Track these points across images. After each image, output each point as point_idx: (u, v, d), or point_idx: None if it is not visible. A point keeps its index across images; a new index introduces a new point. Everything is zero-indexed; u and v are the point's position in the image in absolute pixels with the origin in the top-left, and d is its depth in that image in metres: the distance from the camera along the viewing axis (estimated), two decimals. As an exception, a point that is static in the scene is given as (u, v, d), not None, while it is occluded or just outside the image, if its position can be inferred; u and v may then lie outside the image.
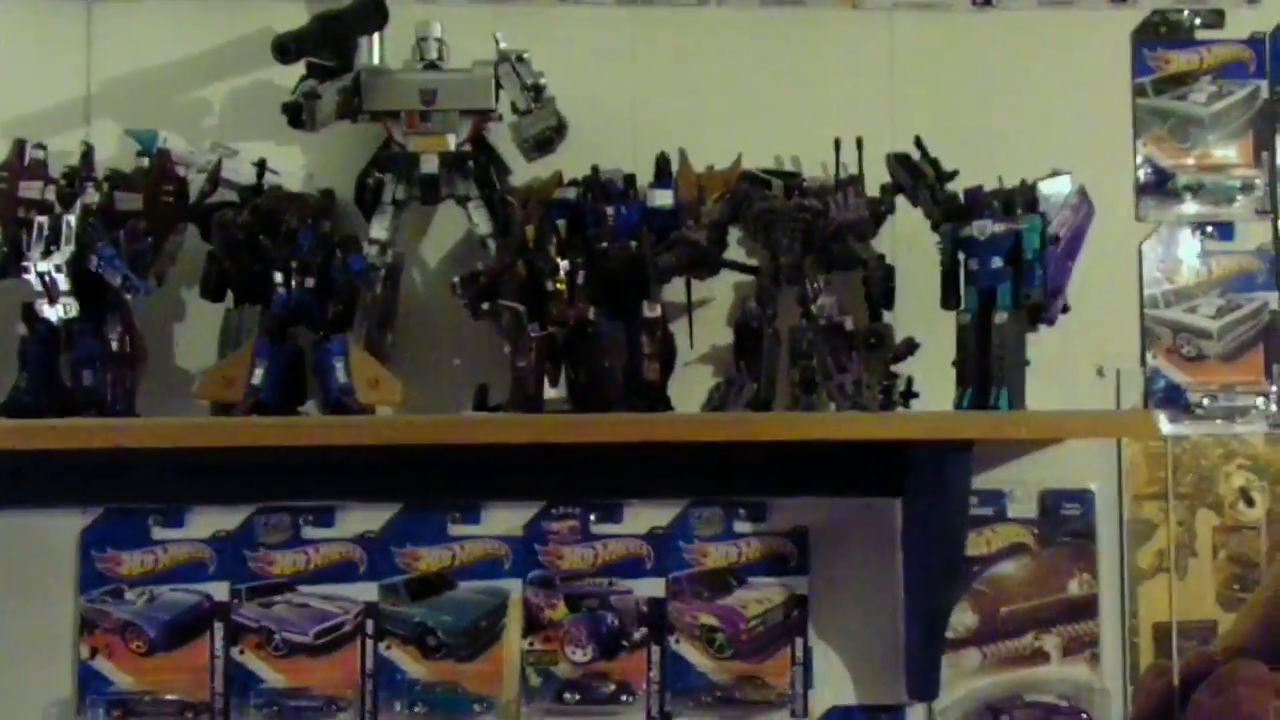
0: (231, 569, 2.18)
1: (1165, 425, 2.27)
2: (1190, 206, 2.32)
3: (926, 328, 2.08)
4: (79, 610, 2.16)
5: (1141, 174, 2.33)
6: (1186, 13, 2.34)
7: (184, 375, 2.14)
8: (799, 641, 2.24)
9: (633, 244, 2.06)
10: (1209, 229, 2.32)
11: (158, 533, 2.18)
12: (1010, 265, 2.01)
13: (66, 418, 1.96)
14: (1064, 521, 2.27)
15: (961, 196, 2.07)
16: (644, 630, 2.23)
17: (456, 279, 2.06)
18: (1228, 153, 2.33)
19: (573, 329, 2.04)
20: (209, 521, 2.19)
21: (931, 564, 2.15)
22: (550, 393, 2.05)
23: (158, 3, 2.23)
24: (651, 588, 2.23)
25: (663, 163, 2.12)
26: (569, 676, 2.22)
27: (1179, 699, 2.26)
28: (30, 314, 1.97)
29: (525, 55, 2.08)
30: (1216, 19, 2.34)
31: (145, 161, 2.07)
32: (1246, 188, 2.32)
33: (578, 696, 2.22)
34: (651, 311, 2.06)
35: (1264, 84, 2.34)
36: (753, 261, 2.16)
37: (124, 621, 2.16)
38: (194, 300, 2.11)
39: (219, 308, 2.08)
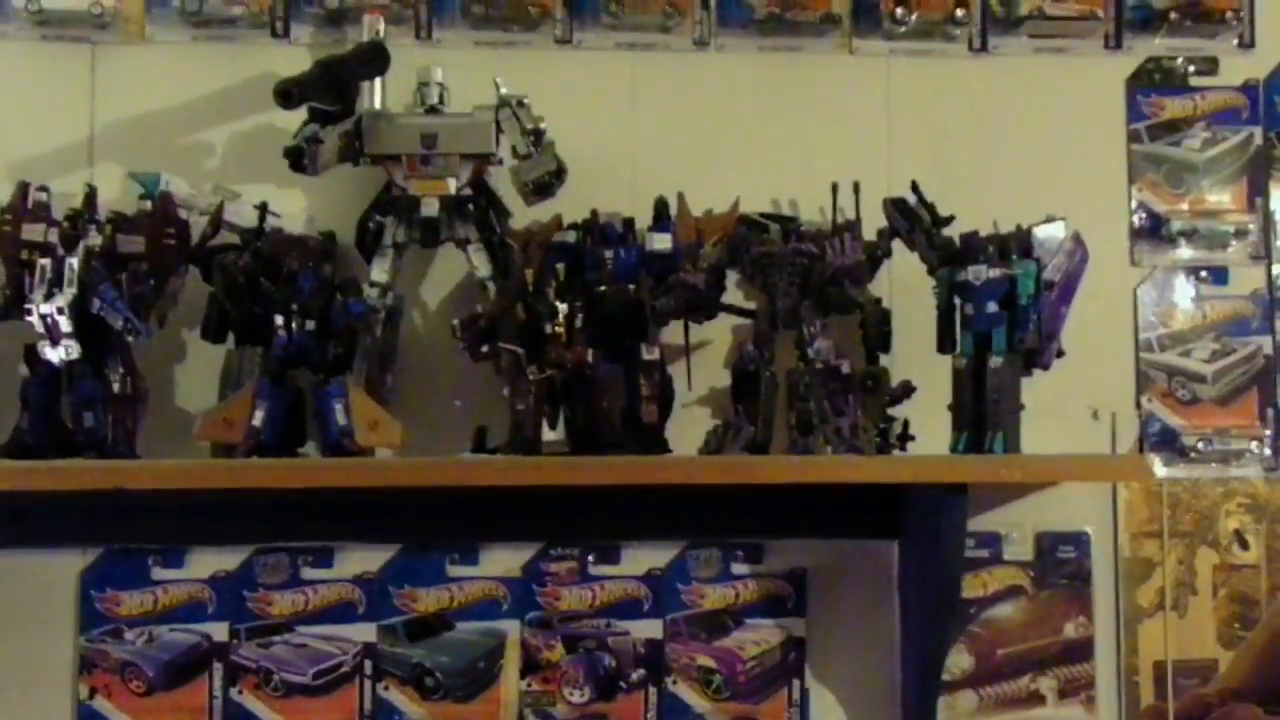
0: (231, 609, 2.17)
1: (1160, 469, 2.28)
2: (1184, 251, 2.33)
3: (923, 371, 2.08)
4: (78, 650, 2.15)
5: (1136, 219, 2.33)
6: (1180, 60, 2.35)
7: (185, 416, 2.14)
8: (796, 683, 2.24)
9: (631, 287, 2.07)
10: (1203, 274, 2.33)
11: (158, 573, 2.17)
12: (1005, 310, 2.02)
13: (68, 459, 1.96)
14: (1060, 564, 2.27)
15: (957, 241, 2.08)
16: (641, 671, 2.22)
17: (456, 322, 2.06)
18: (1222, 198, 2.34)
19: (571, 371, 2.04)
20: (209, 562, 2.18)
21: (928, 606, 2.15)
22: (549, 435, 2.06)
23: (161, 47, 2.23)
24: (649, 629, 2.23)
25: (661, 207, 2.13)
26: (567, 717, 2.21)
27: (1174, 741, 2.25)
28: (32, 355, 1.96)
29: (525, 100, 2.09)
30: (1210, 66, 2.35)
31: (148, 204, 2.06)
32: (1240, 233, 2.33)
33: (576, 737, 2.22)
34: (649, 354, 2.07)
35: (1257, 130, 2.35)
36: (750, 305, 2.16)
37: (123, 661, 2.15)
38: (195, 342, 2.11)
39: (220, 349, 2.08)
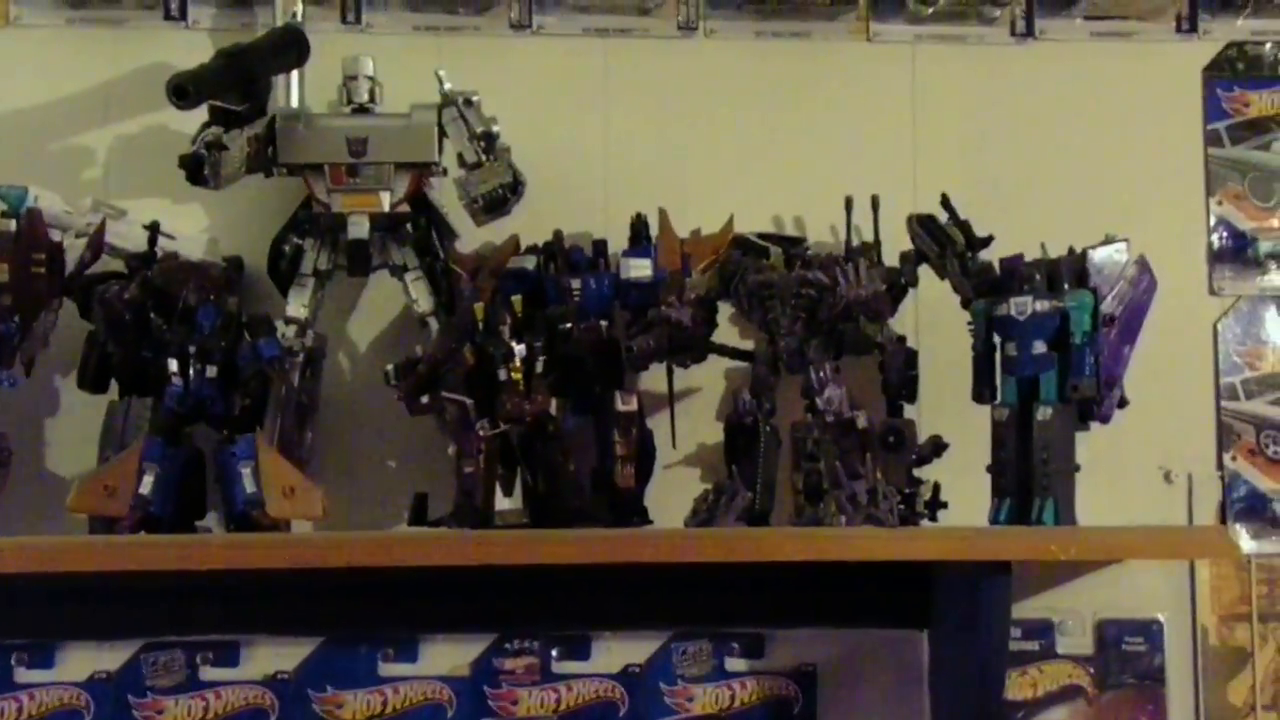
0: (113, 718, 2.16)
1: (1247, 542, 2.29)
2: (1276, 278, 2.35)
3: (956, 425, 2.11)
4: (-72, 773, 2.15)
5: (1216, 239, 2.36)
6: (1269, 45, 2.37)
7: (57, 483, 2.15)
8: (807, 806, 2.23)
9: (603, 324, 2.08)
10: (1299, 304, 2.33)
11: (21, 674, 2.19)
12: (1056, 350, 2.04)
13: (-88, 536, 1.95)
14: (1127, 659, 2.30)
15: (997, 267, 2.10)
16: (617, 792, 2.22)
17: (391, 367, 2.08)
18: None
19: (530, 426, 2.04)
20: (85, 661, 2.20)
21: (966, 710, 2.15)
22: (503, 503, 2.07)
23: (29, 30, 2.28)
24: (627, 739, 2.21)
25: (639, 226, 2.14)
26: None
27: None
28: None
29: (474, 98, 2.12)
30: (1303, 53, 2.36)
31: (11, 224, 2.04)
32: None
33: None
34: (625, 405, 2.08)
35: (1363, 129, 2.36)
36: (747, 345, 2.16)
37: (-18, 787, 2.15)
38: (71, 391, 2.12)
39: (101, 401, 2.08)
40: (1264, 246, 2.34)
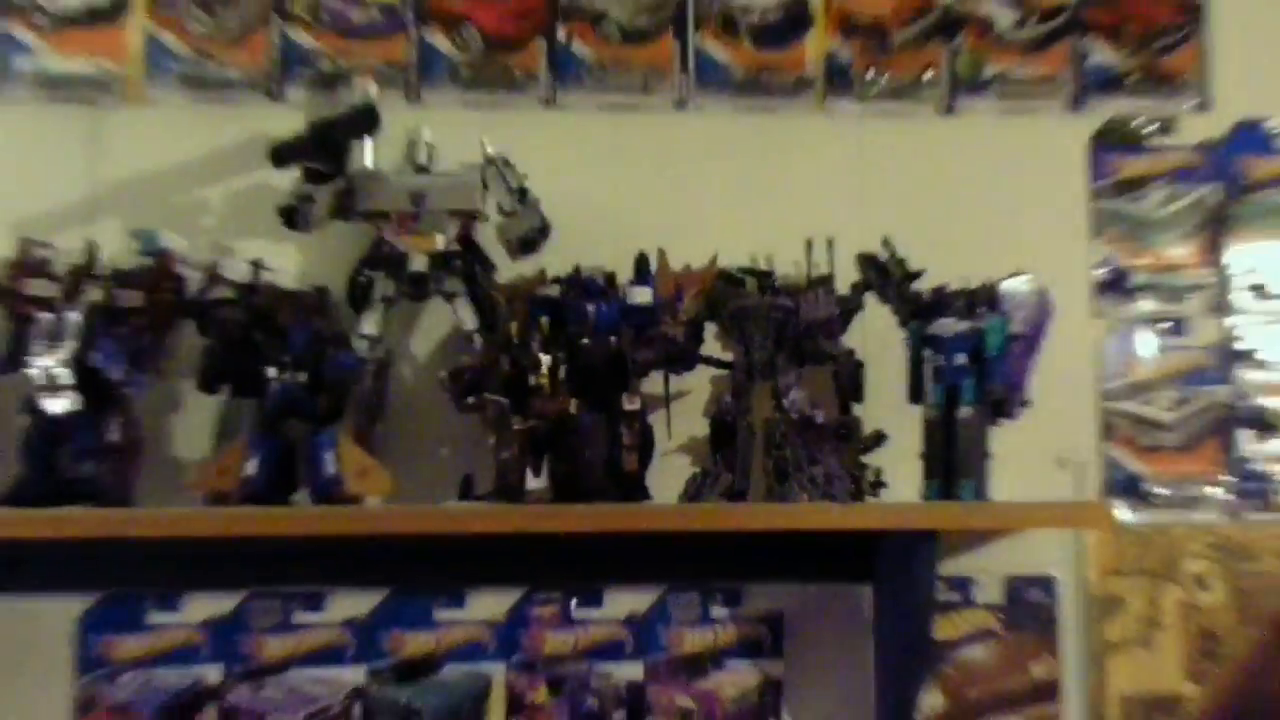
0: (224, 652, 2.16)
1: (1123, 514, 2.29)
2: (1145, 304, 2.34)
3: (894, 421, 2.09)
4: (76, 692, 2.15)
5: (1099, 273, 2.34)
6: (1140, 121, 2.37)
7: (180, 466, 2.14)
8: (773, 724, 2.28)
9: (612, 340, 2.06)
10: (1163, 326, 2.34)
11: (153, 617, 2.16)
12: (974, 362, 2.02)
13: (66, 507, 1.96)
14: (1028, 607, 2.27)
15: (927, 295, 2.09)
16: (623, 713, 2.21)
17: (443, 373, 2.06)
18: (1180, 253, 2.34)
19: (554, 422, 2.03)
20: (203, 606, 2.17)
21: (901, 648, 2.15)
22: (533, 483, 2.04)
23: (160, 108, 2.24)
24: (631, 671, 2.22)
25: (641, 262, 2.13)
26: (551, 758, 2.22)
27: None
28: (32, 407, 1.97)
29: (510, 159, 2.10)
30: (1169, 126, 2.37)
31: (147, 260, 2.07)
32: (1199, 287, 2.34)
33: (560, 778, 2.21)
34: (630, 404, 2.06)
35: (1214, 188, 2.36)
36: (728, 357, 2.15)
37: (120, 703, 2.14)
38: (191, 393, 2.10)
39: (215, 401, 2.08)
40: (1136, 280, 2.33)
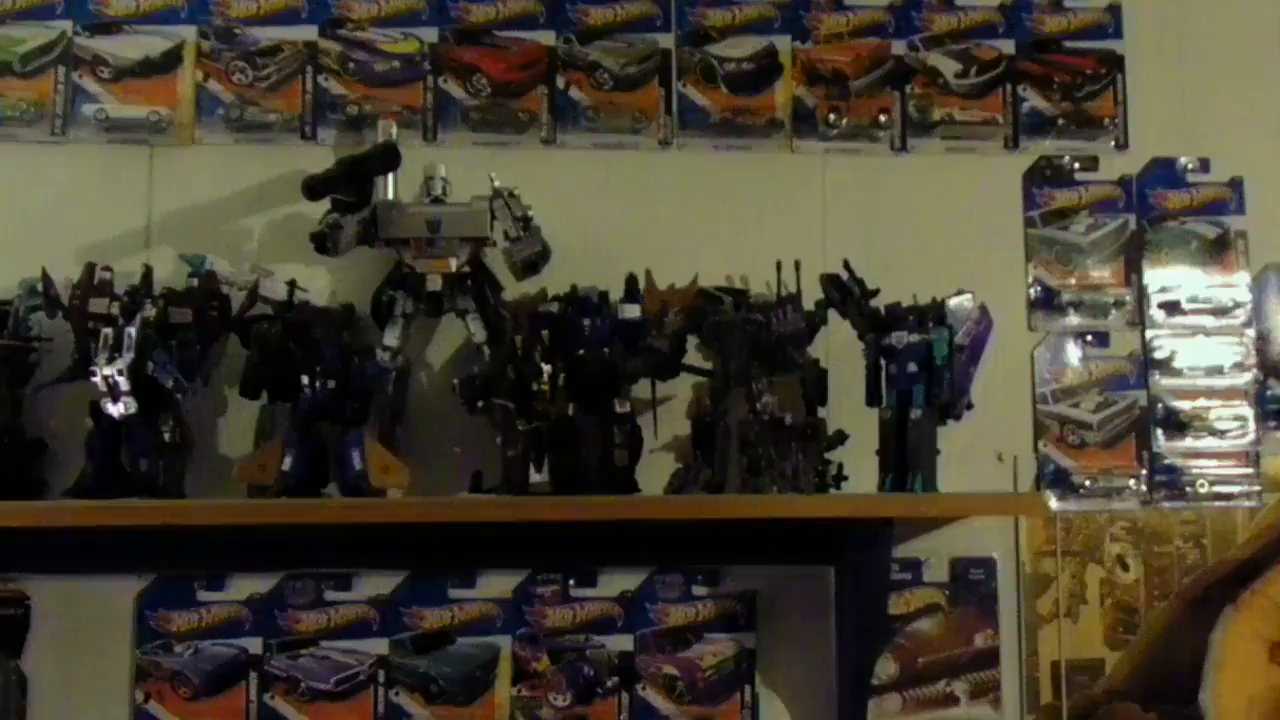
0: (264, 626, 2.18)
1: (1054, 503, 2.29)
2: (1073, 319, 2.35)
3: (854, 422, 2.09)
4: (135, 661, 2.15)
5: (1032, 292, 2.35)
6: (1067, 158, 2.37)
7: (226, 462, 2.14)
8: (748, 689, 2.24)
9: (606, 351, 2.07)
10: (1089, 338, 2.35)
11: (202, 595, 2.18)
12: (924, 370, 2.03)
13: (126, 499, 1.97)
14: (971, 585, 2.28)
15: (883, 311, 2.09)
16: (616, 679, 2.22)
17: (456, 381, 2.08)
18: (1103, 274, 2.36)
19: (554, 423, 2.04)
20: (246, 586, 2.18)
21: (860, 622, 2.15)
22: (535, 478, 2.05)
23: (208, 148, 2.26)
24: (622, 643, 2.23)
25: (631, 282, 2.14)
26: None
27: (1069, 734, 2.27)
28: (96, 411, 1.98)
29: (516, 191, 2.11)
30: (1092, 163, 2.37)
31: (195, 281, 2.09)
32: (1119, 303, 2.36)
33: (560, 736, 2.23)
34: (622, 408, 2.07)
35: (1132, 218, 2.37)
36: (707, 365, 2.16)
37: (173, 671, 2.15)
38: (234, 398, 2.12)
39: (256, 405, 2.08)
40: (1065, 297, 2.34)
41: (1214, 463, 2.33)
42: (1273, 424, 2.35)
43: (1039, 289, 2.36)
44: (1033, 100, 2.39)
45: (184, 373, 1.99)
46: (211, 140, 2.26)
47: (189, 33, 2.27)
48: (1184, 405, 2.34)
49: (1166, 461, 2.33)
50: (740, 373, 2.09)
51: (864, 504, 2.06)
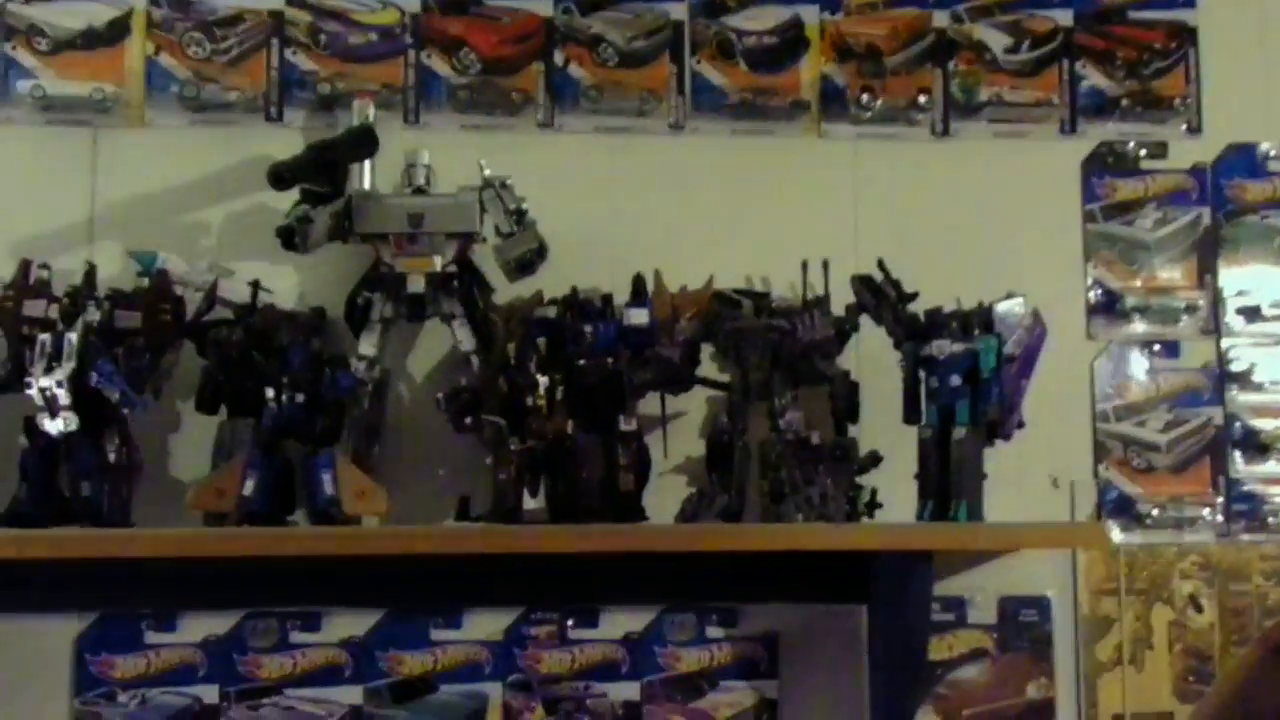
0: (221, 672, 2.16)
1: (1116, 535, 2.29)
2: (1138, 326, 2.35)
3: (890, 442, 2.09)
4: (74, 712, 2.14)
5: (1091, 296, 2.35)
6: (1132, 144, 2.38)
7: (178, 485, 2.13)
8: (769, 745, 2.23)
9: (609, 361, 2.07)
10: (1156, 348, 2.35)
11: (150, 637, 2.16)
12: (968, 383, 2.03)
13: (64, 528, 1.96)
14: (1022, 627, 2.28)
15: (922, 317, 2.09)
16: (619, 732, 2.22)
17: (441, 394, 2.07)
18: (1173, 275, 2.37)
19: (551, 443, 2.04)
20: (200, 626, 2.17)
21: (896, 668, 2.15)
22: (530, 504, 2.04)
23: (160, 130, 2.25)
24: (627, 691, 2.23)
25: (638, 283, 2.13)
26: (548, 779, 2.22)
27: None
28: (31, 427, 1.96)
29: (508, 181, 2.10)
30: (1160, 150, 2.38)
31: (145, 281, 2.08)
32: (1191, 309, 2.36)
33: (556, 801, 2.22)
34: (627, 425, 2.06)
35: (1206, 211, 2.38)
36: (724, 378, 2.16)
37: (117, 724, 2.15)
38: (189, 413, 2.11)
39: (213, 421, 2.07)
40: (1129, 301, 2.34)
41: (1299, 490, 2.35)
42: (1365, 446, 2.36)
43: (1099, 292, 2.35)
44: (1093, 78, 2.39)
45: (131, 384, 1.96)
46: (163, 122, 2.25)
47: (138, -1, 2.27)
48: (1265, 425, 2.35)
49: (1245, 488, 2.34)
50: (761, 386, 2.09)
51: (900, 535, 2.06)
